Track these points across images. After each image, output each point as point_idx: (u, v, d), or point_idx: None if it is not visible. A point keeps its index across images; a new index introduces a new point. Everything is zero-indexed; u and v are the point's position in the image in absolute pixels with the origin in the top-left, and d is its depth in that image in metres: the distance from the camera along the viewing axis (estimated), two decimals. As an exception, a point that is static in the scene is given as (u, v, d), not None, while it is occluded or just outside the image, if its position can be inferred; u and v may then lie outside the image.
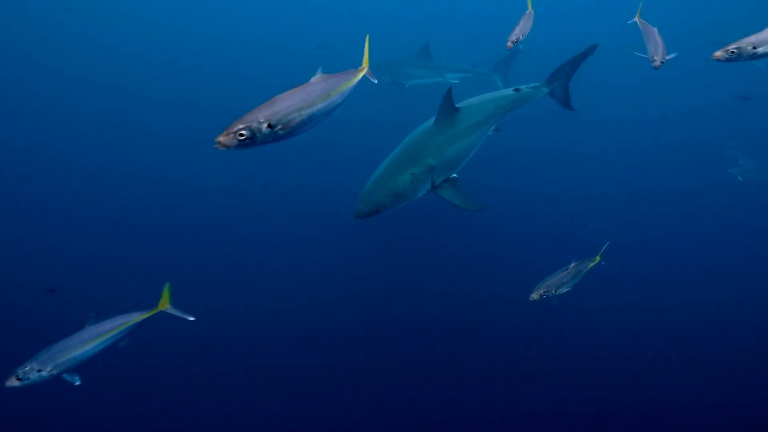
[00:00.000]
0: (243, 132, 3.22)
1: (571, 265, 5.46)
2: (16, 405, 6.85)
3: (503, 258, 10.02)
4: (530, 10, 5.37)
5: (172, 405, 7.20)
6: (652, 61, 4.59)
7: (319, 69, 3.61)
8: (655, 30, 4.80)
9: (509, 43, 5.23)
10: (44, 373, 4.22)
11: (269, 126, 3.26)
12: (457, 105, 6.66)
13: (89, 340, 4.35)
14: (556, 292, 5.28)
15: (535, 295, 5.28)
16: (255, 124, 3.24)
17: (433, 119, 6.62)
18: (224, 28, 19.91)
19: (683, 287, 10.03)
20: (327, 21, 20.48)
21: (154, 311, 4.53)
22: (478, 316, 8.76)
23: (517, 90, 7.21)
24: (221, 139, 3.20)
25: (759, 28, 3.81)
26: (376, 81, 3.99)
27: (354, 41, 16.25)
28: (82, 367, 4.40)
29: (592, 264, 5.57)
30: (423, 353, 8.23)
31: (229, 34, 19.43)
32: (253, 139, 3.25)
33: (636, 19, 5.11)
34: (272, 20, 20.78)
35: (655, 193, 13.02)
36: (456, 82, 13.04)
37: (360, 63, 3.81)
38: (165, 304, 4.56)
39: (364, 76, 3.86)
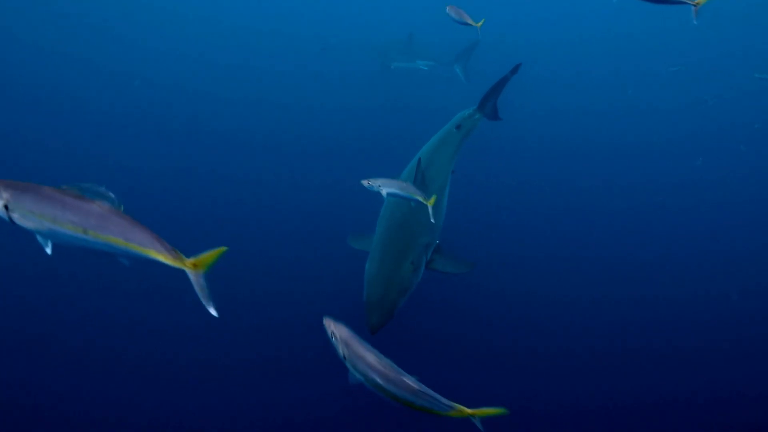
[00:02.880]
0: None
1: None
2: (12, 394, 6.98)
3: (491, 250, 9.97)
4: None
5: (165, 396, 7.24)
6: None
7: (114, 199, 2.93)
8: None
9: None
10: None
11: (6, 207, 2.74)
12: (415, 163, 6.50)
13: None
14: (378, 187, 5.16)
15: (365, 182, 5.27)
16: None
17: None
18: (224, 27, 20.03)
19: (678, 279, 10.09)
20: (330, 21, 20.66)
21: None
22: (472, 306, 8.81)
23: (458, 127, 7.33)
24: None
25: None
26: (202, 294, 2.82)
27: (358, 42, 16.66)
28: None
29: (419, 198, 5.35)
30: (414, 340, 8.21)
31: (229, 35, 19.55)
32: None
33: None
34: (274, 20, 20.88)
35: (654, 185, 13.13)
36: (425, 69, 14.55)
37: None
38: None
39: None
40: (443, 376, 7.78)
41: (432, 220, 5.80)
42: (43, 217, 2.66)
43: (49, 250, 2.84)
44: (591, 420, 7.55)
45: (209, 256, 2.74)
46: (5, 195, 2.68)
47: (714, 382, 8.05)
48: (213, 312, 2.75)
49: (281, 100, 15.56)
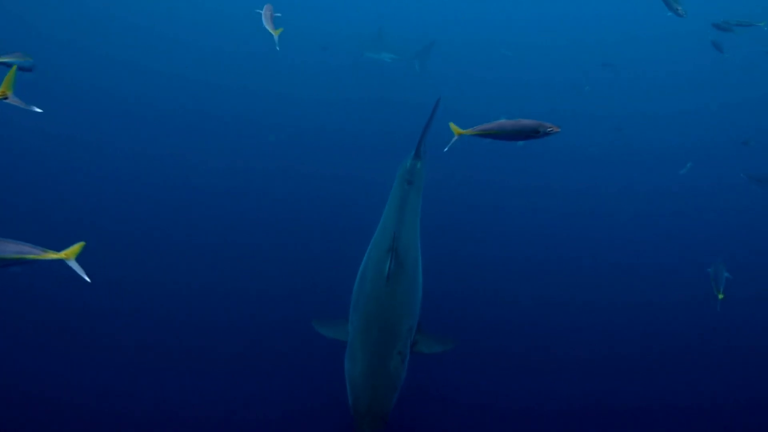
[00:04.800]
0: None
1: None
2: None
3: (487, 255, 10.15)
4: None
5: (161, 382, 7.30)
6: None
7: None
8: None
9: None
10: None
11: None
12: (383, 235, 6.09)
13: None
14: None
15: None
16: None
17: (365, 265, 6.03)
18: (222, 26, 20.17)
19: (680, 284, 10.04)
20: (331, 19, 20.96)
21: None
22: (473, 311, 8.80)
23: (409, 183, 6.80)
24: None
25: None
26: None
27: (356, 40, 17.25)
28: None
29: None
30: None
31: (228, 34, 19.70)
32: None
33: None
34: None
35: (651, 191, 13.29)
36: (388, 61, 16.09)
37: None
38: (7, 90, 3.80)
39: None
40: (445, 377, 8.07)
41: None
42: None
43: None
44: (590, 423, 7.58)
45: (75, 248, 3.48)
46: None
47: (714, 387, 8.09)
48: (87, 278, 3.46)
49: (280, 91, 15.86)
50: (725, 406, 7.79)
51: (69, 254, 3.40)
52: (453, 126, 4.17)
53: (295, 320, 8.17)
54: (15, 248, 3.31)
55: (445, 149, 4.29)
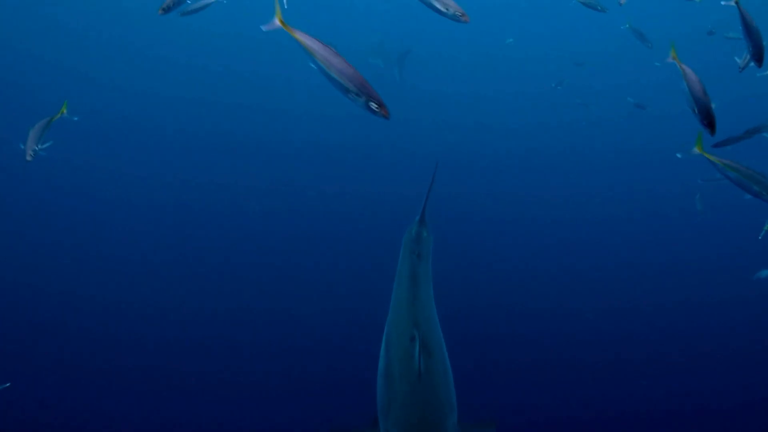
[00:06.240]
0: None
1: None
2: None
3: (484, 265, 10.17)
4: None
5: (160, 407, 7.21)
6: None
7: None
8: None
9: None
10: None
11: None
12: (399, 319, 5.43)
13: None
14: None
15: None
16: None
17: (386, 360, 5.29)
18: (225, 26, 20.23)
19: (676, 287, 10.09)
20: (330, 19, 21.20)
21: None
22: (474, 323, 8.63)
23: (418, 256, 6.13)
24: None
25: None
26: None
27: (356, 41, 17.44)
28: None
29: None
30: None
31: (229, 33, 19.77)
32: None
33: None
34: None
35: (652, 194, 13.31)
36: (381, 66, 17.42)
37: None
38: None
39: None
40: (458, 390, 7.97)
41: None
42: None
43: None
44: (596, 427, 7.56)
45: None
46: None
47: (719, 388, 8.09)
48: None
49: (277, 106, 15.88)
50: (731, 407, 7.82)
51: None
52: (699, 140, 3.74)
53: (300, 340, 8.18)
54: None
55: (679, 155, 4.19)
